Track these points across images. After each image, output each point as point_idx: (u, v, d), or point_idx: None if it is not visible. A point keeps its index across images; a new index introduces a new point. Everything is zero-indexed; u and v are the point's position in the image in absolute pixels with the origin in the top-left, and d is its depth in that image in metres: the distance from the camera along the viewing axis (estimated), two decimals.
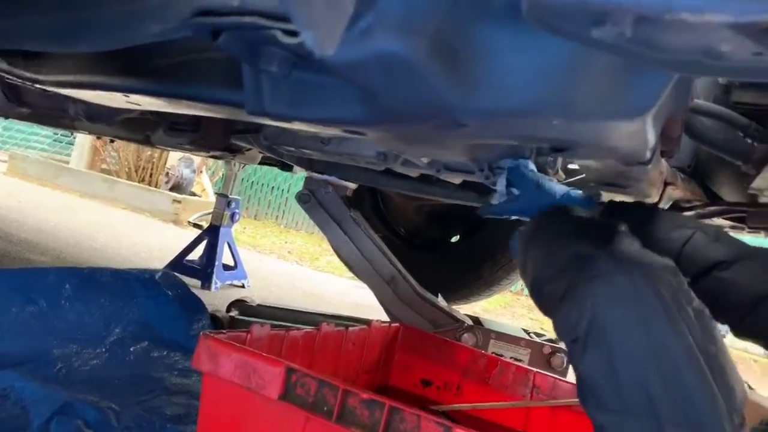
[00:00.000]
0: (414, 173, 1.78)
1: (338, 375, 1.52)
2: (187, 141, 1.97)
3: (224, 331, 1.17)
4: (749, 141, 1.25)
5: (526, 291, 6.24)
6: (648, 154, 0.99)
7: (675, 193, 1.77)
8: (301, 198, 2.03)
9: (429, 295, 2.03)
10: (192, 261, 3.37)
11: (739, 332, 0.88)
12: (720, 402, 0.69)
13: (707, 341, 0.73)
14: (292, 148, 1.71)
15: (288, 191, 8.29)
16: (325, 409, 1.00)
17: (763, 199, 1.48)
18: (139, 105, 1.06)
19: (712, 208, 1.72)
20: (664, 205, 1.82)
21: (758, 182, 1.37)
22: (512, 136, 0.72)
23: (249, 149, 2.43)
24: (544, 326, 3.68)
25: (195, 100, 0.78)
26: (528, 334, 2.16)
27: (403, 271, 2.03)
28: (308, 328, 1.48)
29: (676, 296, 0.73)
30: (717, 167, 1.71)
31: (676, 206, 1.86)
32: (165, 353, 1.71)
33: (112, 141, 3.36)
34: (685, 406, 0.68)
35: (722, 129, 1.32)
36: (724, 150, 1.35)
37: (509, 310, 5.26)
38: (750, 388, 1.38)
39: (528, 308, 5.63)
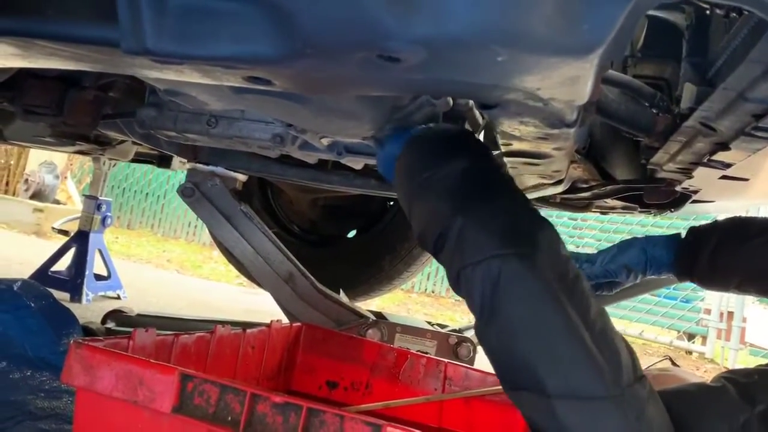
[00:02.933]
0: (312, 159, 1.65)
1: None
2: (48, 129, 1.72)
3: (100, 338, 0.99)
4: (654, 112, 1.24)
5: (417, 288, 6.26)
6: (576, 113, 0.93)
7: (575, 172, 1.76)
8: (184, 192, 1.84)
9: (330, 292, 1.91)
10: (59, 272, 3.06)
11: None
12: (603, 367, 0.73)
13: (586, 310, 0.77)
14: (173, 133, 1.53)
15: (165, 197, 7.81)
16: (230, 419, 0.87)
17: (661, 174, 1.49)
18: None
19: (610, 187, 1.72)
20: (565, 185, 1.81)
21: (658, 156, 1.37)
22: (448, 78, 0.62)
23: (121, 142, 2.19)
24: (440, 321, 3.66)
25: (53, 40, 0.61)
26: (432, 325, 2.09)
27: (302, 267, 1.90)
28: (201, 333, 1.31)
29: (554, 270, 0.78)
30: (611, 147, 1.72)
31: (574, 187, 1.87)
32: (28, 373, 1.49)
33: None
34: (567, 377, 0.73)
35: (624, 101, 1.30)
36: (627, 123, 1.32)
37: (404, 307, 5.23)
38: (674, 365, 1.39)
39: (421, 304, 5.64)
